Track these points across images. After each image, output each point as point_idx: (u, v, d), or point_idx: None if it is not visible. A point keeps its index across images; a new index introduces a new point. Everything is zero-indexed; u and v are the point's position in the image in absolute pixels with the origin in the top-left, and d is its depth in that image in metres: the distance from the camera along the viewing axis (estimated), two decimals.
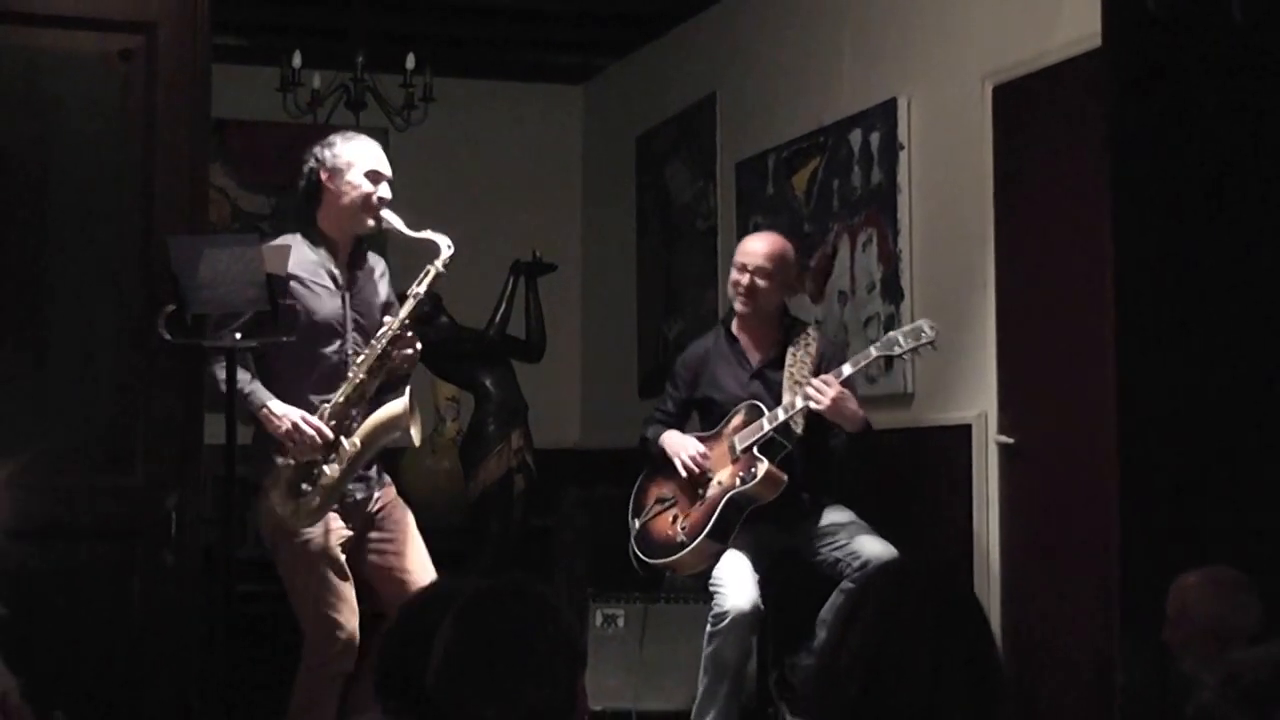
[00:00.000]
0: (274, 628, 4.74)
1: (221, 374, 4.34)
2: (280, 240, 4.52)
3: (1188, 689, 3.32)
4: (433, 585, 3.03)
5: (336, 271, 4.53)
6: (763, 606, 5.00)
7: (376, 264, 4.67)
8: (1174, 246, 4.26)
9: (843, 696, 2.04)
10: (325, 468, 4.38)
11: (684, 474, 5.19)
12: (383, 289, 4.65)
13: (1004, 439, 5.29)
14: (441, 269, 4.52)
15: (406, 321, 4.45)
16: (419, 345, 4.52)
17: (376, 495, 4.59)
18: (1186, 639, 3.67)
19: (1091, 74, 4.68)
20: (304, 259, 4.49)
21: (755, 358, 5.26)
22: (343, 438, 4.41)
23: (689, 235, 7.50)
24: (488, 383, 7.17)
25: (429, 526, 7.47)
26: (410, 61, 7.27)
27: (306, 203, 4.61)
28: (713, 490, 5.11)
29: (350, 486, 4.47)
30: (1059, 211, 5.12)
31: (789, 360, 5.16)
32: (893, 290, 5.86)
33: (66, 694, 3.49)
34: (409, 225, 4.53)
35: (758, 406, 5.11)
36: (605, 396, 8.36)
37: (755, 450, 5.05)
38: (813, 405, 4.92)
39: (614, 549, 5.55)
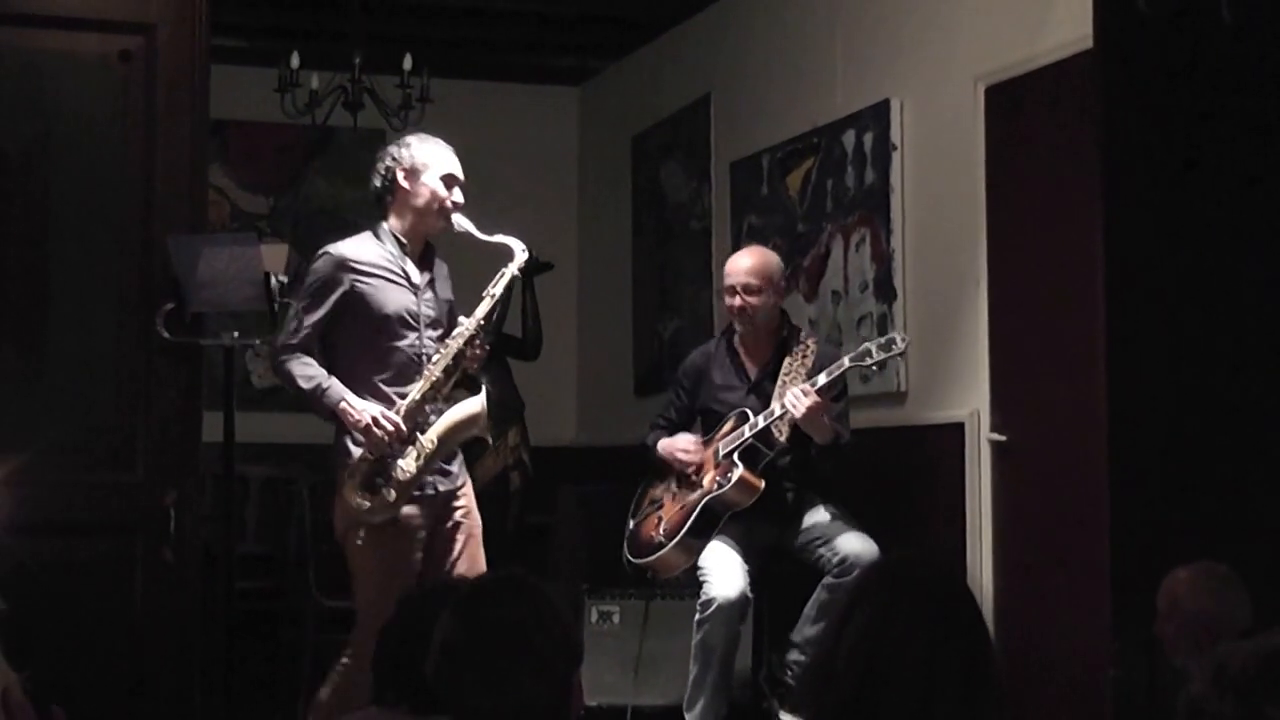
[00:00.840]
0: (272, 623, 4.78)
1: (300, 369, 4.37)
2: (353, 238, 4.52)
3: (1179, 683, 3.35)
4: (425, 583, 3.05)
5: (409, 268, 4.52)
6: (751, 596, 5.06)
7: (441, 266, 4.68)
8: (1164, 245, 4.28)
9: (838, 694, 2.04)
10: (401, 463, 4.36)
11: (679, 467, 5.27)
12: (447, 290, 4.66)
13: (996, 437, 5.31)
14: (516, 272, 4.54)
15: (481, 322, 4.46)
16: (488, 345, 4.54)
17: (459, 490, 4.58)
18: (1177, 633, 3.69)
19: (1083, 75, 4.71)
20: (374, 254, 4.49)
21: (753, 370, 5.32)
22: (419, 434, 4.39)
23: (684, 235, 7.52)
24: (484, 381, 7.18)
25: None
26: (408, 63, 7.28)
27: (379, 201, 4.60)
28: (694, 494, 5.19)
29: (430, 478, 4.45)
30: (1050, 212, 5.15)
31: (784, 369, 5.21)
32: (885, 290, 5.88)
33: (67, 689, 3.51)
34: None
35: (745, 414, 5.17)
36: (601, 394, 8.39)
37: (734, 457, 5.11)
38: (791, 411, 4.98)
39: (610, 546, 5.58)
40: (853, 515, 5.18)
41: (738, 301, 5.26)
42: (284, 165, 8.26)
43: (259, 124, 7.94)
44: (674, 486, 5.31)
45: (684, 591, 5.47)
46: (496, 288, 4.52)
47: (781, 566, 5.25)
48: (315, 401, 4.38)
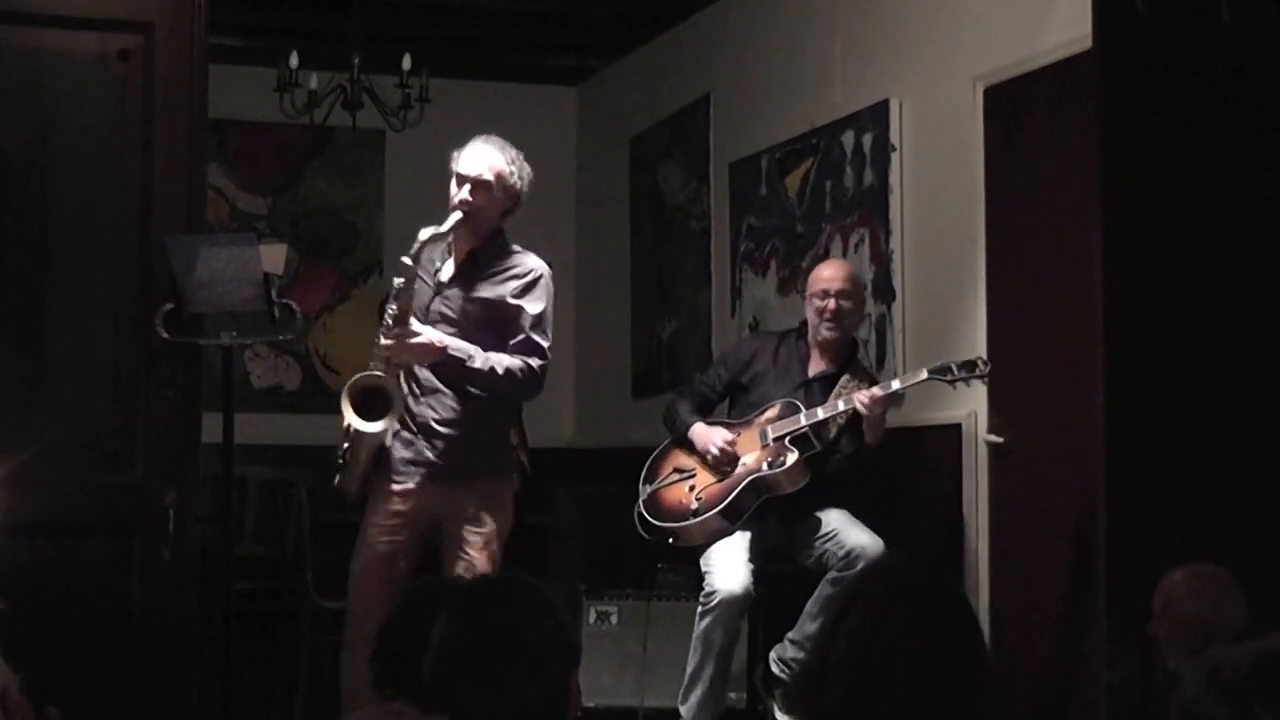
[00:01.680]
0: (270, 624, 4.78)
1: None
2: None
3: (1174, 685, 3.36)
4: (427, 580, 3.05)
5: (444, 267, 4.64)
6: (754, 591, 5.07)
7: (516, 266, 4.68)
8: (1163, 247, 4.29)
9: (832, 695, 2.04)
10: (344, 445, 4.54)
11: (714, 459, 5.26)
12: (506, 289, 4.65)
13: (993, 438, 5.32)
14: (408, 260, 4.51)
15: (396, 312, 4.48)
16: (412, 338, 4.50)
17: (461, 485, 4.61)
18: (1171, 635, 3.70)
19: (1082, 75, 4.71)
20: (430, 255, 4.64)
21: (813, 369, 5.33)
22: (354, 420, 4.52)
23: (682, 236, 7.53)
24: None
25: None
26: (407, 63, 7.29)
27: None
28: (738, 470, 5.20)
29: (402, 470, 4.56)
30: (1049, 212, 5.15)
31: (842, 382, 5.22)
32: (884, 290, 5.89)
33: (64, 689, 3.51)
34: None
35: (794, 404, 5.19)
36: (599, 396, 8.39)
37: (787, 441, 5.13)
38: (864, 408, 4.99)
39: (608, 547, 5.59)
40: (858, 519, 5.18)
41: (832, 305, 5.26)
42: (283, 165, 8.27)
43: (258, 124, 7.95)
44: (708, 461, 5.29)
45: (682, 593, 5.48)
46: (400, 279, 4.53)
47: (784, 570, 5.25)
48: None
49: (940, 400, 5.57)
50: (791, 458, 5.10)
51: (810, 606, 5.06)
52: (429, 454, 4.57)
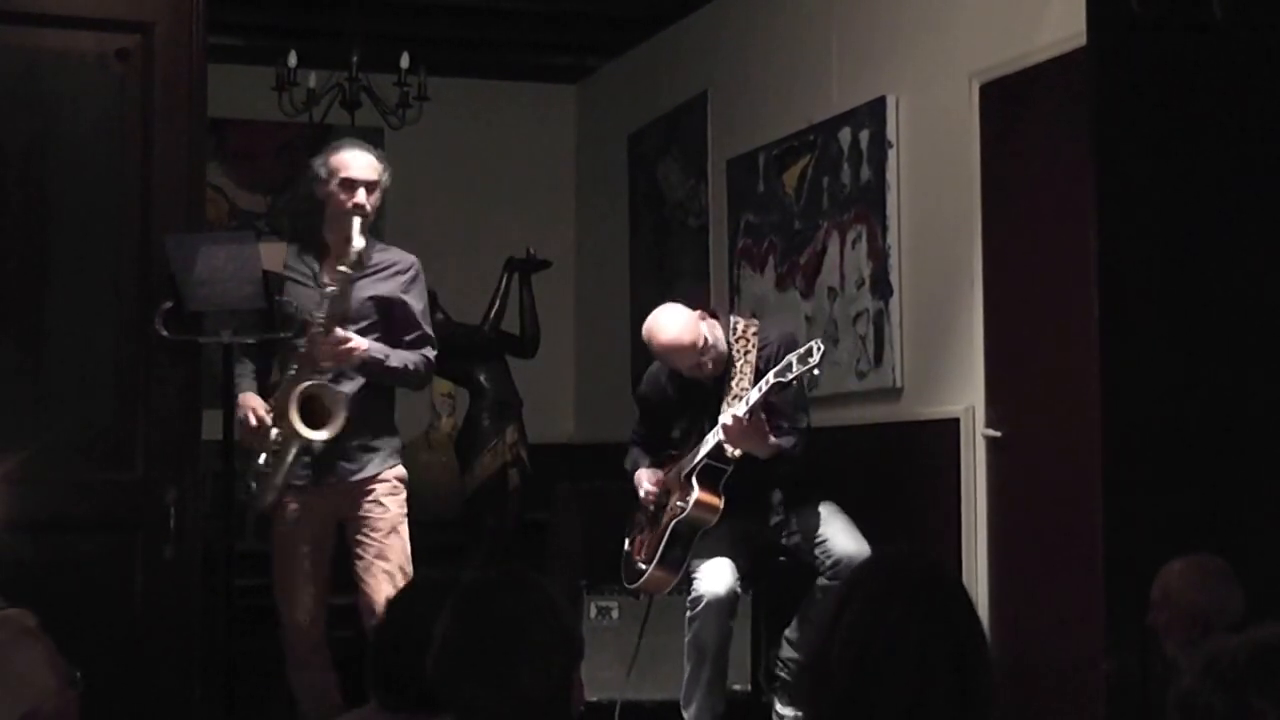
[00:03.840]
0: (272, 620, 4.78)
1: (237, 367, 4.58)
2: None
3: (1171, 675, 3.37)
4: (421, 580, 3.05)
5: (321, 270, 4.66)
6: (740, 591, 5.08)
7: (395, 263, 4.76)
8: (1158, 242, 4.30)
9: (832, 688, 2.04)
10: (262, 456, 4.57)
11: (644, 504, 5.29)
12: (386, 287, 4.71)
13: (991, 432, 5.33)
14: (346, 269, 4.54)
15: (324, 319, 4.51)
16: (345, 344, 4.54)
17: (364, 480, 4.67)
18: (1169, 625, 3.71)
19: (1077, 72, 4.73)
20: (295, 257, 4.74)
21: (705, 382, 5.20)
22: (274, 429, 4.54)
23: (681, 232, 7.54)
24: (482, 378, 7.21)
25: (424, 521, 7.53)
26: (405, 61, 7.30)
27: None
28: (664, 517, 5.20)
29: (305, 471, 4.62)
30: (1045, 208, 5.17)
31: (733, 373, 5.12)
32: (882, 286, 5.90)
33: None
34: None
35: (701, 433, 5.13)
36: (599, 392, 8.40)
37: (692, 479, 5.10)
38: (725, 439, 4.95)
39: (608, 543, 5.60)
40: (846, 513, 5.16)
41: (700, 372, 5.14)
42: (282, 164, 8.27)
43: (257, 122, 7.96)
44: (649, 511, 5.32)
45: (682, 588, 5.49)
46: (334, 286, 4.55)
47: (776, 562, 5.27)
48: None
49: (938, 395, 5.59)
50: (693, 496, 5.05)
51: (804, 608, 5.07)
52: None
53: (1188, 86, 4.24)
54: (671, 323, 5.17)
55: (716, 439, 5.01)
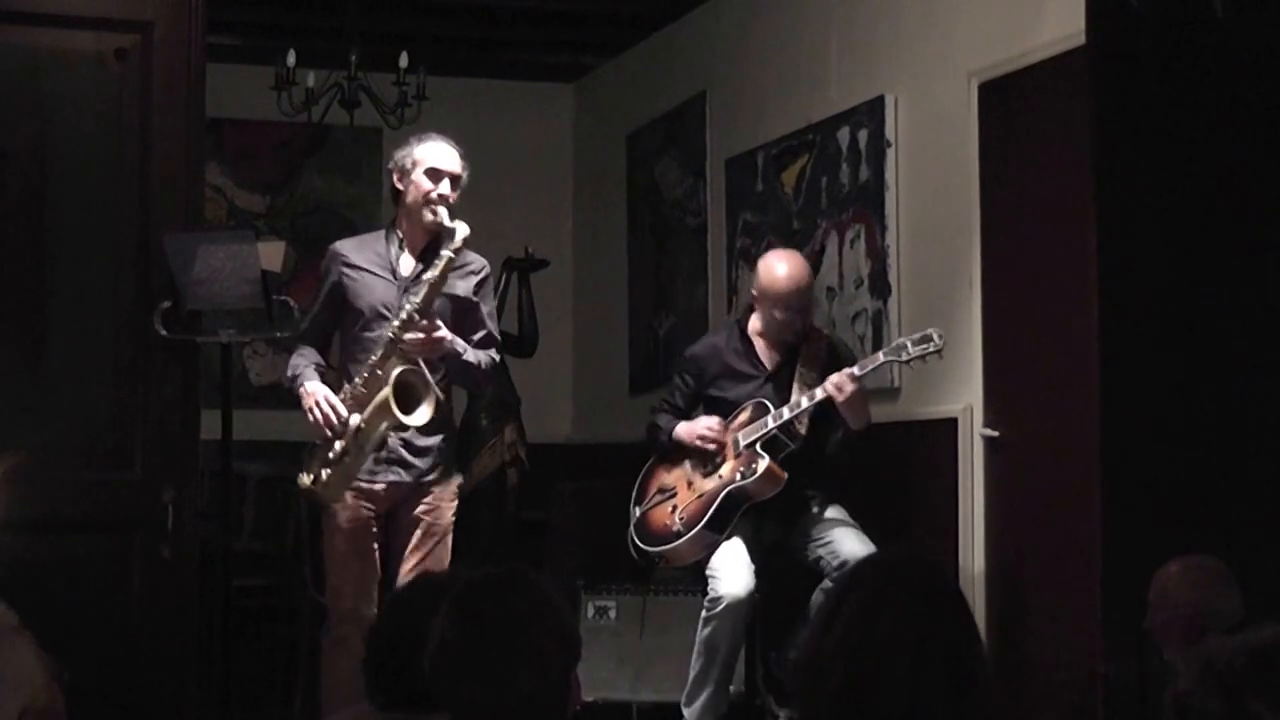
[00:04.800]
0: (269, 620, 4.79)
1: (293, 359, 4.60)
2: (362, 235, 4.76)
3: (1168, 677, 3.37)
4: (418, 579, 3.05)
5: (401, 263, 4.66)
6: (757, 595, 5.07)
7: (469, 264, 4.72)
8: (1157, 241, 4.30)
9: (826, 687, 2.04)
10: (337, 445, 4.45)
11: (704, 447, 5.20)
12: (461, 287, 4.67)
13: (989, 432, 5.33)
14: (452, 254, 4.52)
15: (419, 306, 4.46)
16: (437, 332, 4.49)
17: (427, 485, 4.63)
18: (1166, 625, 3.72)
19: (1076, 71, 4.72)
20: (369, 249, 4.69)
21: (770, 360, 5.27)
22: (354, 417, 4.46)
23: (679, 232, 7.54)
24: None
25: None
26: (404, 60, 7.29)
27: (393, 201, 4.80)
28: (712, 483, 5.14)
29: (379, 469, 4.56)
30: (1044, 207, 5.17)
31: (800, 362, 5.19)
32: (880, 286, 5.90)
33: (63, 686, 3.53)
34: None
35: (764, 404, 5.14)
36: (597, 391, 8.40)
37: (758, 447, 5.09)
38: (834, 396, 4.95)
39: (606, 542, 5.60)
40: (854, 516, 5.18)
41: (797, 322, 5.18)
42: (280, 163, 8.28)
43: (255, 122, 7.96)
44: (689, 474, 5.25)
45: (680, 587, 5.49)
46: (434, 272, 4.52)
47: (783, 565, 5.25)
48: (290, 388, 4.58)
49: (936, 395, 5.59)
50: (761, 464, 5.04)
51: (809, 612, 5.04)
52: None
53: (1187, 85, 4.24)
54: (795, 260, 5.28)
55: (794, 412, 5.03)
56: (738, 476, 5.09)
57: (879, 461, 5.72)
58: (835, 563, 4.98)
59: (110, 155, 4.52)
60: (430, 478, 4.63)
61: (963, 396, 5.44)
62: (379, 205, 8.39)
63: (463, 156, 4.79)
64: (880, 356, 5.01)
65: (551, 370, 8.25)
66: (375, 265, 4.65)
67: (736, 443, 5.16)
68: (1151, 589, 3.78)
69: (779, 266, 5.22)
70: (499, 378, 7.24)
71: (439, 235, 4.65)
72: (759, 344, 5.30)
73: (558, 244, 8.31)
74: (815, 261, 6.30)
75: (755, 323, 5.30)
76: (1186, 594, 3.71)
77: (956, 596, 2.15)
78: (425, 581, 2.85)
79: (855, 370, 4.99)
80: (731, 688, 5.35)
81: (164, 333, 4.35)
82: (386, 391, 4.41)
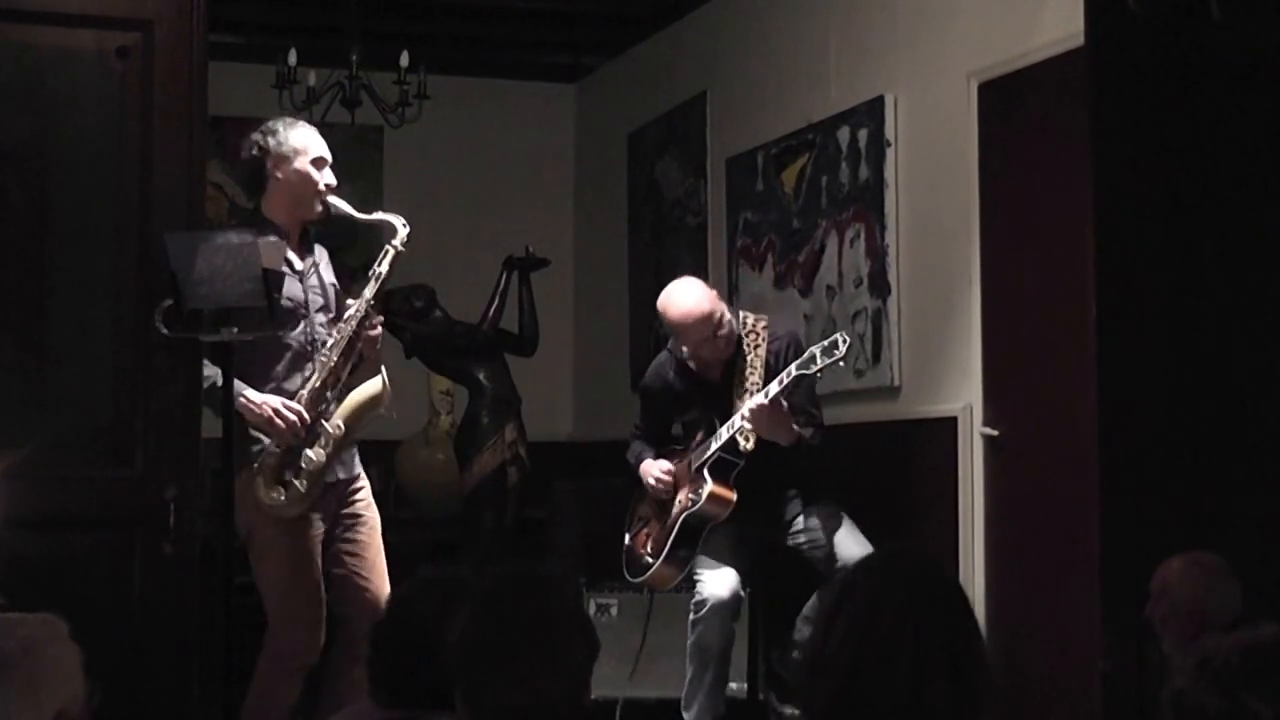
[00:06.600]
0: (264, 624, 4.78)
1: (206, 371, 4.41)
2: (230, 231, 4.55)
3: (1167, 674, 3.38)
4: (423, 579, 3.06)
5: (290, 255, 4.55)
6: (743, 594, 5.08)
7: (322, 251, 4.69)
8: (1155, 241, 4.31)
9: (829, 685, 2.05)
10: (309, 452, 4.42)
11: (655, 494, 5.26)
12: (330, 273, 4.66)
13: (989, 431, 5.34)
14: (400, 248, 4.52)
15: (371, 301, 4.47)
16: (380, 326, 4.52)
17: (357, 478, 4.62)
18: (1166, 619, 3.73)
19: (1074, 72, 4.73)
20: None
21: (712, 375, 5.20)
22: (323, 421, 4.45)
23: (680, 231, 7.55)
24: (481, 376, 7.21)
25: (423, 518, 7.56)
26: (405, 59, 7.31)
27: (249, 191, 4.66)
28: (674, 509, 5.19)
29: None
30: (1043, 207, 5.18)
31: (742, 365, 5.11)
32: (880, 285, 5.91)
33: None
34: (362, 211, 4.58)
35: (714, 424, 5.11)
36: (598, 390, 8.41)
37: (704, 471, 5.09)
38: (749, 424, 4.93)
39: (607, 540, 5.61)
40: (848, 514, 5.16)
41: (722, 348, 5.10)
42: None
43: (257, 120, 7.91)
44: (657, 502, 5.30)
45: (681, 585, 5.50)
46: (381, 266, 4.50)
47: (777, 563, 5.27)
48: (208, 400, 4.42)
49: (936, 393, 5.60)
50: (706, 489, 5.05)
51: (807, 612, 5.04)
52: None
53: (1185, 86, 4.25)
54: (689, 292, 5.16)
55: (731, 431, 4.99)
56: (689, 502, 5.11)
57: (879, 461, 5.73)
58: (836, 564, 4.97)
59: (111, 154, 4.51)
60: (357, 470, 4.63)
61: (962, 395, 5.45)
62: (379, 204, 8.41)
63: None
64: (793, 370, 4.88)
65: (552, 369, 8.26)
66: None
67: (691, 464, 5.18)
68: (1153, 584, 3.79)
69: (670, 308, 5.15)
70: (500, 376, 7.29)
71: (308, 226, 4.59)
72: (698, 364, 5.24)
73: (558, 243, 8.32)
74: (815, 261, 6.32)
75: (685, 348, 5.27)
76: (1188, 589, 3.72)
77: (958, 593, 2.16)
78: (431, 581, 2.85)
79: (770, 390, 4.91)
80: (734, 685, 5.37)
81: (165, 331, 4.34)
82: (377, 388, 4.42)
